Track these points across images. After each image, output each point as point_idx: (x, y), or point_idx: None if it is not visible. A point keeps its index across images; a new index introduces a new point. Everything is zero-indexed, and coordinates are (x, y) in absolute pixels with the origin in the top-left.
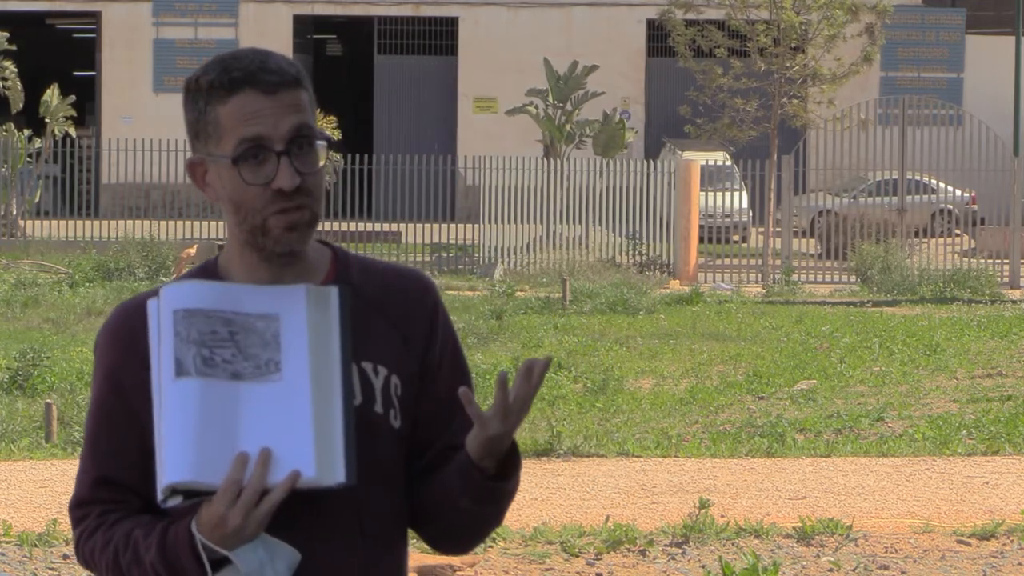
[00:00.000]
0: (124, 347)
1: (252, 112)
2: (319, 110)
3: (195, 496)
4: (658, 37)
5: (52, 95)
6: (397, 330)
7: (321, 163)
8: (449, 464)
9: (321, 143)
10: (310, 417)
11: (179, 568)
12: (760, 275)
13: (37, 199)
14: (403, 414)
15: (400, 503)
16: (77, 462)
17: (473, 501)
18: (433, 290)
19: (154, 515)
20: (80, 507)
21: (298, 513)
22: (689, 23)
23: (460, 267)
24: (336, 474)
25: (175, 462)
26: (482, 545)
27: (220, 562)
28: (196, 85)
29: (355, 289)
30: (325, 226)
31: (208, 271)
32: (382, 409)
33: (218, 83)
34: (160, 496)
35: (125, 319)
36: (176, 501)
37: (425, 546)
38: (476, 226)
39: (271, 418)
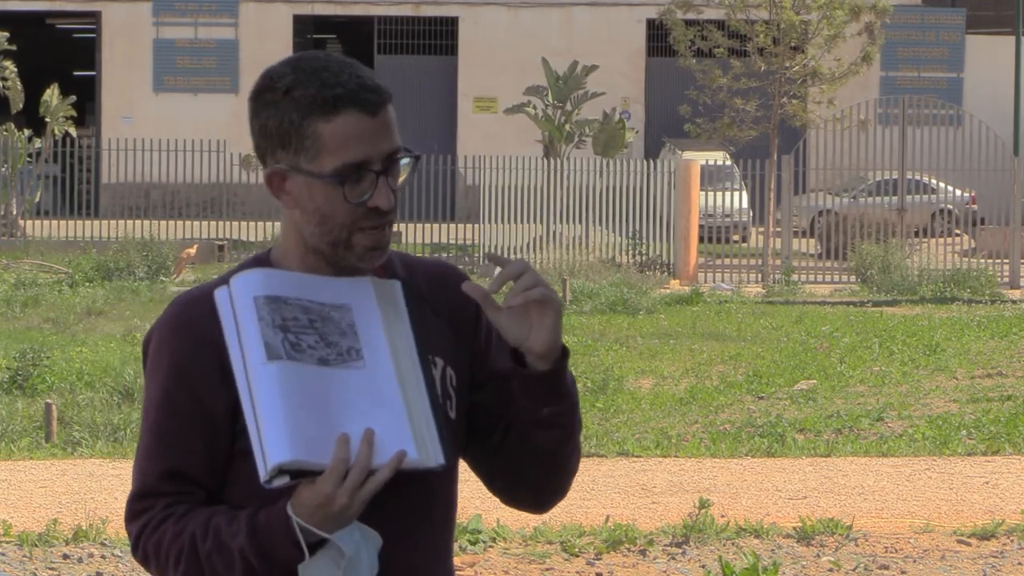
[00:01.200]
0: (192, 337)
1: (358, 134)
2: None
3: (300, 476)
4: (658, 37)
5: (52, 95)
6: (446, 321)
7: (403, 177)
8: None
9: (406, 161)
10: (401, 401)
11: (273, 553)
12: (760, 275)
13: (37, 199)
14: (458, 405)
15: (456, 493)
16: (77, 462)
17: (543, 402)
18: (466, 277)
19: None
20: (143, 499)
21: (378, 497)
22: (689, 23)
23: (460, 267)
24: (437, 456)
25: (278, 442)
26: (482, 545)
27: (312, 546)
28: (287, 97)
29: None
30: None
31: (263, 264)
32: (441, 400)
33: (321, 100)
34: (265, 476)
35: (186, 310)
36: (283, 481)
37: None
38: (476, 226)
39: (363, 402)
